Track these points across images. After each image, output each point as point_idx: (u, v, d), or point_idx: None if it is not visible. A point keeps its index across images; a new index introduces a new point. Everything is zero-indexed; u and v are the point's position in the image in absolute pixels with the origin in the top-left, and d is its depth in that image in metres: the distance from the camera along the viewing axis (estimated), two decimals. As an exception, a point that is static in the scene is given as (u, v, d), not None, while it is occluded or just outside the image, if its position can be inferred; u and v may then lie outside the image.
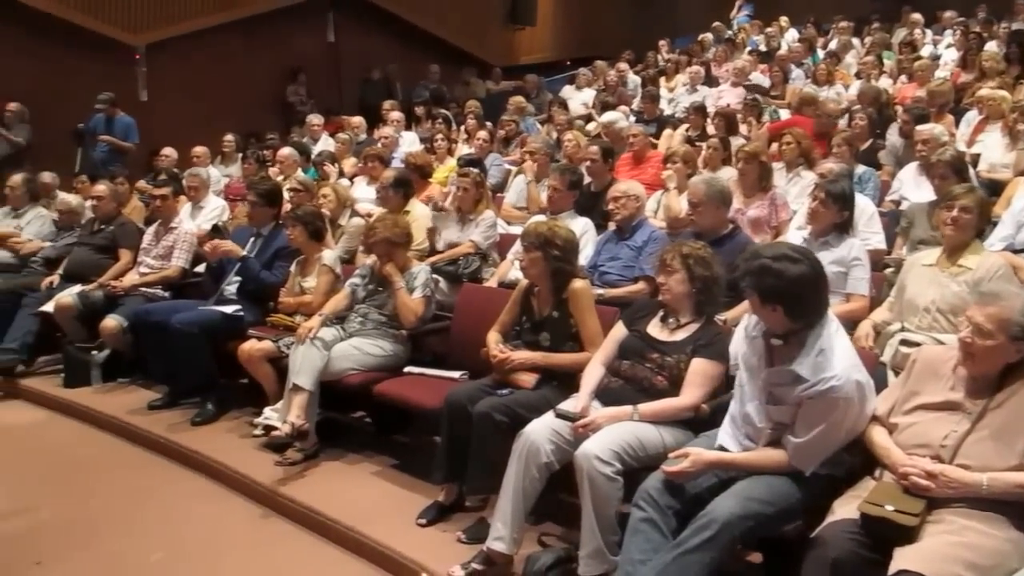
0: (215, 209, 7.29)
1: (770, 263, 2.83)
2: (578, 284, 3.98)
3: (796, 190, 6.03)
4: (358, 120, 10.57)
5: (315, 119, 10.78)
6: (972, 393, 2.75)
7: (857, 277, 4.23)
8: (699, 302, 3.55)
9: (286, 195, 6.35)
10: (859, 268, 4.23)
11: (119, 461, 5.13)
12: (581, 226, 5.32)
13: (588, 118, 10.49)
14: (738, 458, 2.99)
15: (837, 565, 2.53)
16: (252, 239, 5.73)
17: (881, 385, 3.14)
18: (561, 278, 3.97)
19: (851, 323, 3.93)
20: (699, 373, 3.39)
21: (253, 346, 5.01)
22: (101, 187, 6.93)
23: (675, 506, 2.94)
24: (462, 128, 10.04)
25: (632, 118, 9.29)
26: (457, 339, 4.82)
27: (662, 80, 12.26)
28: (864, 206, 5.02)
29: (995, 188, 5.72)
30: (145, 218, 7.45)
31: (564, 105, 10.72)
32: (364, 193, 7.27)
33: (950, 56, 10.95)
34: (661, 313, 3.62)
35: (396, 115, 10.17)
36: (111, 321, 5.87)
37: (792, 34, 14.03)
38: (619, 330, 3.69)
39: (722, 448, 3.08)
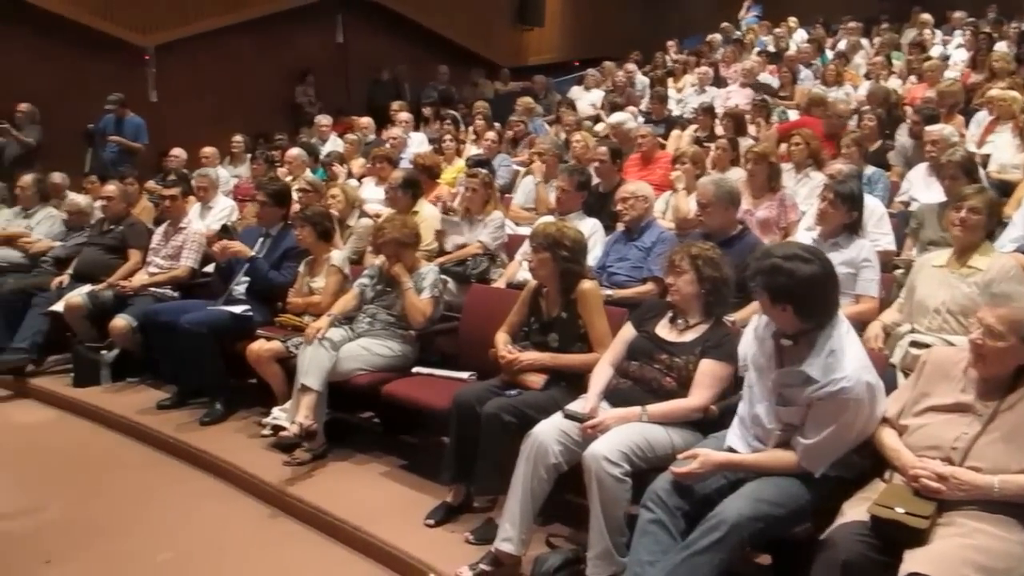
0: (224, 209, 7.31)
1: (781, 262, 2.83)
2: (587, 285, 3.98)
3: (805, 191, 6.02)
4: (367, 121, 10.58)
5: (324, 120, 10.80)
6: (983, 395, 2.74)
7: (867, 278, 4.22)
8: (708, 303, 3.54)
9: (295, 195, 6.36)
10: (869, 269, 4.22)
11: (128, 460, 5.14)
12: (589, 227, 5.32)
13: (596, 119, 10.48)
14: (747, 459, 2.98)
15: (847, 567, 2.51)
16: (261, 239, 5.74)
17: (891, 387, 3.14)
18: (570, 279, 3.97)
19: (860, 324, 3.91)
20: (708, 374, 3.38)
21: (262, 346, 5.01)
22: (111, 187, 6.96)
23: (684, 507, 2.93)
24: (470, 129, 10.04)
25: (640, 119, 9.28)
26: (465, 340, 4.81)
27: (670, 81, 12.25)
28: (873, 207, 5.00)
29: (1005, 189, 5.69)
30: (154, 218, 7.47)
31: (572, 106, 10.73)
32: (372, 194, 7.27)
33: (960, 56, 10.92)
34: (670, 314, 3.62)
35: (404, 116, 10.17)
36: (120, 321, 5.88)
37: (801, 35, 14.00)
38: (628, 331, 3.69)
39: (731, 449, 3.07)
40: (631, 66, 13.08)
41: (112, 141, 10.11)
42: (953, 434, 2.71)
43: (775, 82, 10.78)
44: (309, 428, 4.42)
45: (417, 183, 6.23)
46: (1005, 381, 2.71)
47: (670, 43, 14.89)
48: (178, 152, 9.58)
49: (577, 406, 3.49)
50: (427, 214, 6.08)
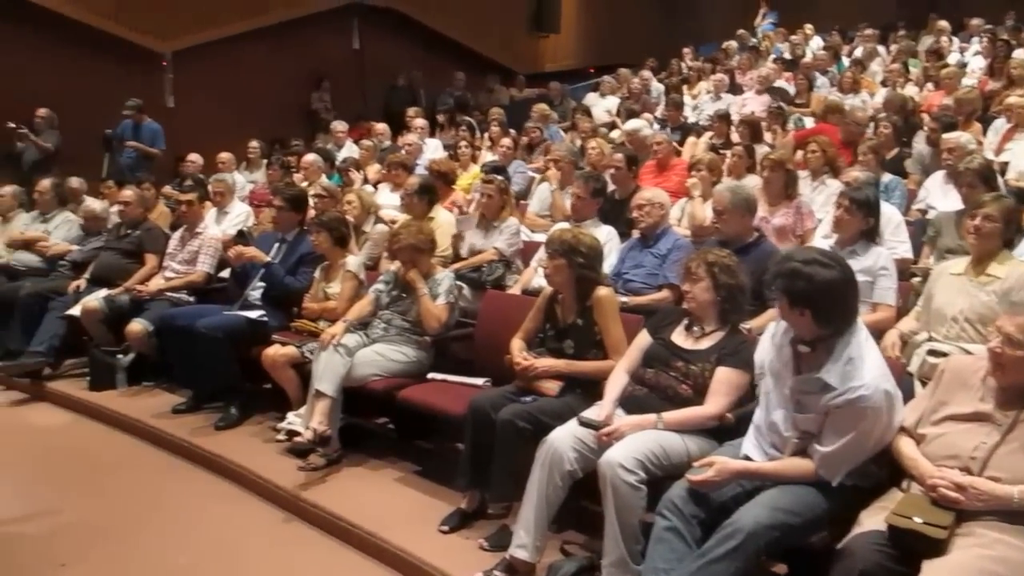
0: (240, 215, 7.35)
1: (801, 266, 2.82)
2: (602, 292, 3.97)
3: (821, 198, 6.00)
4: (382, 127, 10.61)
5: (340, 126, 10.85)
6: (1002, 404, 2.72)
7: (884, 287, 4.20)
8: (724, 310, 3.53)
9: (311, 201, 6.38)
10: (886, 278, 4.20)
11: (143, 464, 5.16)
12: (605, 234, 5.30)
13: (612, 126, 10.49)
14: (764, 467, 2.97)
15: (864, 577, 2.50)
16: (277, 245, 5.76)
17: (908, 395, 3.12)
18: (585, 285, 3.97)
19: (878, 333, 3.87)
20: (724, 382, 3.37)
21: (277, 351, 5.02)
22: (128, 192, 7.01)
23: (699, 515, 2.92)
24: (486, 135, 10.05)
25: (656, 126, 9.27)
26: (480, 346, 4.82)
27: (685, 88, 12.23)
28: (891, 215, 4.98)
29: (1024, 197, 5.66)
30: (171, 223, 7.51)
31: (588, 112, 10.71)
32: (388, 200, 7.28)
33: (977, 64, 10.87)
34: (686, 321, 3.61)
35: (420, 122, 10.21)
36: (137, 325, 5.90)
37: (817, 42, 13.96)
38: (643, 338, 3.68)
39: (747, 457, 3.05)
40: (646, 73, 13.06)
41: (129, 146, 10.16)
42: (972, 443, 2.69)
43: (791, 88, 10.76)
44: (323, 433, 4.43)
45: (433, 189, 6.24)
46: (1024, 390, 2.69)
47: (686, 50, 14.88)
48: (195, 157, 9.65)
49: (592, 413, 3.49)
50: (442, 220, 6.09)
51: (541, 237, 5.55)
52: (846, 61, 12.15)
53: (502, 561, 3.46)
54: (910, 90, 9.89)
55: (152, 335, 5.88)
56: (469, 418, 3.89)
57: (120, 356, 6.13)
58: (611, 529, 3.14)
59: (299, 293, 5.49)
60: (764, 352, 3.16)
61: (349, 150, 10.01)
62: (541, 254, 4.85)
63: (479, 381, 4.49)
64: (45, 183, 7.73)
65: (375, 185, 8.21)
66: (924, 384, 3.37)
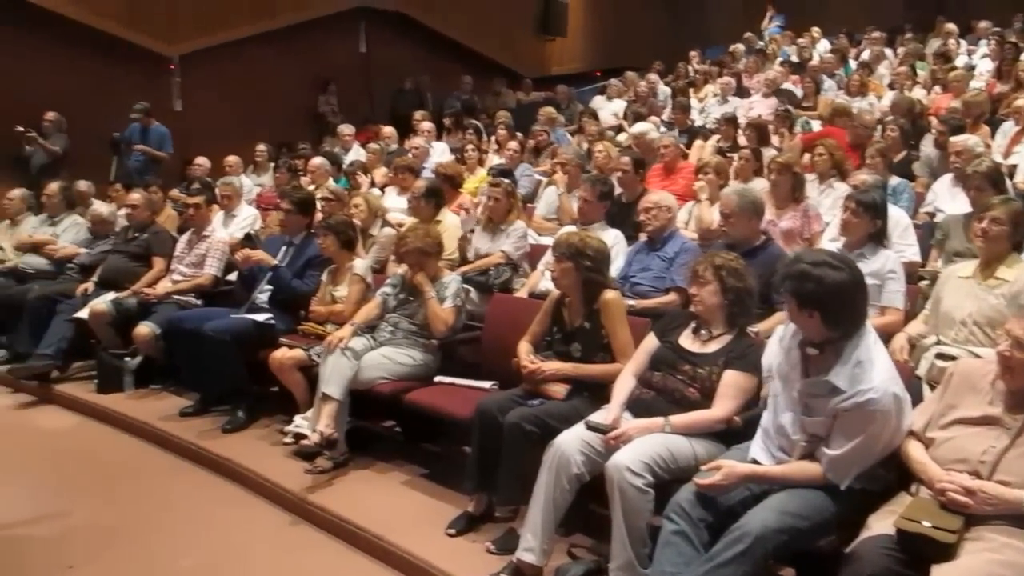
0: (247, 218, 7.37)
1: (810, 268, 2.81)
2: (609, 295, 3.97)
3: (829, 201, 5.98)
4: (389, 130, 10.63)
5: (346, 129, 10.84)
6: (1011, 408, 2.71)
7: (892, 290, 4.18)
8: (731, 313, 3.52)
9: (318, 204, 6.38)
10: (894, 281, 4.18)
11: (150, 467, 5.17)
12: (612, 238, 5.28)
13: (619, 129, 10.47)
14: (772, 471, 2.96)
15: (872, 581, 2.49)
16: (284, 248, 5.77)
17: (916, 399, 3.11)
18: (592, 289, 3.96)
19: (886, 336, 3.86)
20: (731, 385, 3.36)
21: (284, 354, 5.03)
22: (135, 195, 7.03)
23: (707, 519, 2.91)
24: (492, 138, 10.05)
25: (663, 129, 9.26)
26: (487, 349, 4.82)
27: (691, 91, 12.23)
28: (898, 218, 4.97)
29: (1033, 200, 5.63)
30: (178, 226, 7.51)
31: (594, 116, 10.70)
32: (395, 203, 7.29)
33: (985, 66, 10.85)
34: (693, 324, 3.60)
35: (427, 125, 10.22)
36: (144, 328, 5.91)
37: (824, 45, 13.95)
38: (651, 341, 3.67)
39: (755, 461, 3.05)
40: (653, 76, 13.06)
41: (137, 150, 10.20)
42: (981, 447, 2.68)
43: (798, 91, 10.75)
44: (330, 437, 4.43)
45: (440, 192, 6.24)
46: (1034, 394, 2.68)
47: (692, 53, 14.88)
48: (202, 161, 9.67)
49: (599, 417, 3.48)
50: (449, 223, 6.09)
51: (548, 240, 5.54)
52: (853, 64, 12.13)
53: (509, 564, 3.45)
54: (917, 93, 9.89)
55: (159, 338, 5.89)
56: (476, 421, 3.88)
57: (128, 359, 6.15)
58: (618, 533, 3.13)
59: (306, 296, 5.49)
60: (772, 355, 3.15)
61: (356, 153, 10.02)
62: (548, 257, 4.85)
63: (486, 384, 4.49)
64: (53, 186, 7.77)
65: (382, 188, 8.21)
66: (932, 388, 3.37)
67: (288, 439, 4.95)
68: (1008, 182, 5.46)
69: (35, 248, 7.36)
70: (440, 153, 9.59)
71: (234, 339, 5.28)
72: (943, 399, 2.89)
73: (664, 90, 12.50)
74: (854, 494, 2.83)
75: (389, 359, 4.68)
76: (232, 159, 9.53)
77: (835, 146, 6.39)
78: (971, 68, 10.85)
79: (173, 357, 5.92)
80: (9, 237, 7.70)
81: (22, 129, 9.60)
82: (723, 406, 3.34)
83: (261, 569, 3.95)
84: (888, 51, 12.63)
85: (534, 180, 8.08)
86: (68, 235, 7.47)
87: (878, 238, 4.32)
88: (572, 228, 5.17)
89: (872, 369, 2.77)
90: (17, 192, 7.99)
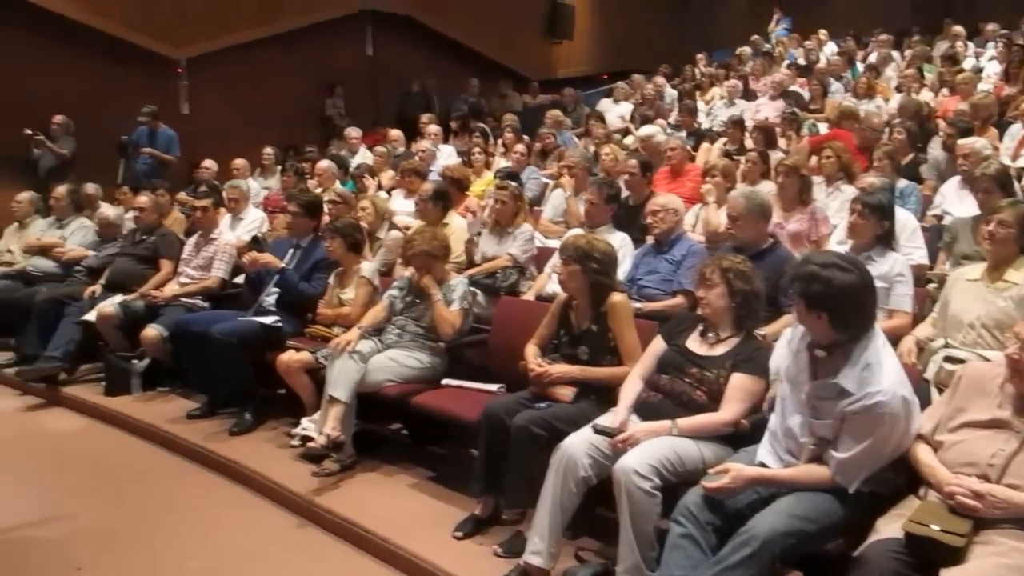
0: (254, 221, 7.38)
1: (819, 270, 2.81)
2: (617, 298, 3.96)
3: (836, 204, 5.96)
4: (396, 133, 10.63)
5: (353, 132, 10.85)
6: (1020, 411, 2.70)
7: (900, 293, 4.17)
8: (739, 316, 3.52)
9: (325, 207, 6.39)
10: (902, 284, 4.17)
11: (157, 469, 5.17)
12: (619, 241, 5.28)
13: (626, 132, 10.48)
14: (780, 474, 2.95)
15: (880, 585, 2.48)
16: (291, 251, 5.78)
17: (925, 402, 3.10)
18: (600, 291, 3.96)
19: (894, 339, 3.84)
20: (739, 388, 3.36)
21: (291, 357, 5.03)
22: (143, 198, 7.03)
23: (715, 522, 2.91)
24: (499, 141, 10.05)
25: (669, 131, 9.26)
26: (495, 352, 4.82)
27: (698, 93, 12.22)
28: (906, 220, 4.96)
29: (1041, 203, 5.62)
30: (185, 229, 7.53)
31: (601, 119, 10.69)
32: (402, 206, 7.29)
33: (992, 69, 10.82)
34: (700, 327, 3.60)
35: (434, 128, 10.23)
36: (151, 330, 5.92)
37: (831, 47, 13.94)
38: (658, 344, 3.67)
39: (762, 464, 3.04)
40: (660, 79, 13.08)
41: (145, 153, 10.23)
42: (990, 451, 2.67)
43: (805, 94, 10.74)
44: (337, 439, 4.43)
45: (447, 195, 6.24)
46: (1043, 397, 2.67)
47: (699, 56, 14.88)
48: (209, 164, 9.68)
49: (607, 420, 3.48)
50: (456, 226, 6.10)
51: (555, 243, 5.54)
52: (860, 66, 12.11)
53: (516, 567, 3.46)
54: (925, 95, 9.87)
55: (167, 340, 5.89)
56: (483, 424, 3.88)
57: (135, 361, 6.15)
58: (626, 536, 3.13)
59: (313, 299, 5.50)
60: (780, 357, 3.15)
61: (363, 156, 10.02)
62: (555, 260, 4.85)
63: (493, 387, 4.50)
64: (61, 189, 7.81)
65: (389, 191, 8.22)
66: (941, 391, 3.35)
67: (295, 442, 4.96)
68: (1016, 185, 5.43)
69: (43, 251, 7.39)
70: (447, 156, 9.60)
71: (241, 342, 5.29)
72: (951, 402, 2.88)
73: (671, 93, 12.50)
74: (862, 497, 2.82)
75: (396, 362, 4.69)
76: (239, 162, 9.57)
77: (842, 149, 6.38)
78: (979, 70, 10.84)
79: (180, 360, 5.93)
80: (17, 240, 7.74)
81: (30, 132, 9.65)
82: (730, 409, 3.34)
83: (268, 571, 3.96)
84: (895, 53, 12.63)
85: (541, 183, 8.09)
86: (76, 238, 7.50)
87: (886, 240, 4.31)
88: (579, 231, 5.16)
89: (881, 372, 2.76)
90: (25, 195, 8.03)
